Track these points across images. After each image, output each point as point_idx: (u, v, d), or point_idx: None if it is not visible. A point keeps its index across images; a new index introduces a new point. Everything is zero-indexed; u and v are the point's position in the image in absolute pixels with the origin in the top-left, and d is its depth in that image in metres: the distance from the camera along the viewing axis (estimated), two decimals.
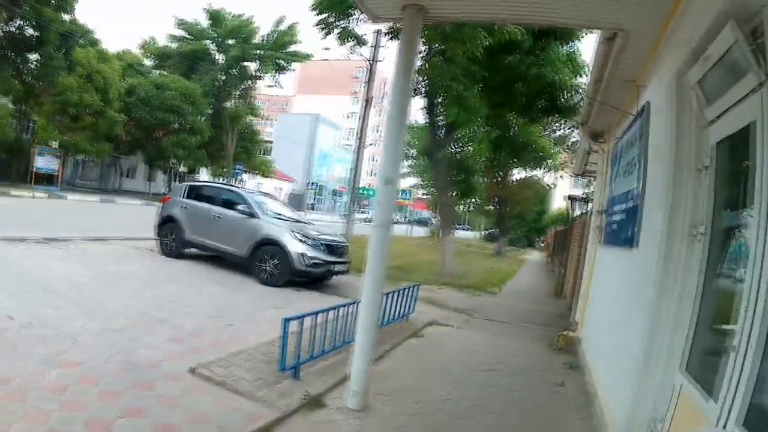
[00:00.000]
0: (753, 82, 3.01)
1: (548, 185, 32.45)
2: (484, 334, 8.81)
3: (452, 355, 7.06)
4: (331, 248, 11.11)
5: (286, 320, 5.07)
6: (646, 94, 5.63)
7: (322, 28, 14.93)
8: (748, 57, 2.98)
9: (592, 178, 15.16)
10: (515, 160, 22.67)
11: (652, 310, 4.22)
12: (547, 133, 21.76)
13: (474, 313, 10.59)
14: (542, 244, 46.04)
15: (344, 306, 5.87)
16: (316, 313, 5.46)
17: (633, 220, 5.39)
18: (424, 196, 35.16)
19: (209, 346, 5.89)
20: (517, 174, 30.49)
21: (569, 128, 19.53)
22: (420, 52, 15.35)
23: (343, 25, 14.83)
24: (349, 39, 15.27)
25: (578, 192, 22.01)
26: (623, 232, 5.90)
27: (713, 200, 3.88)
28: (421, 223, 53.68)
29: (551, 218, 40.39)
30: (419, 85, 15.22)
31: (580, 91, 12.50)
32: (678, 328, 4.05)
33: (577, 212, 16.65)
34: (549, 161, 23.74)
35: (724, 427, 2.77)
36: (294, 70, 44.06)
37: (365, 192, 39.30)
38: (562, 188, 32.35)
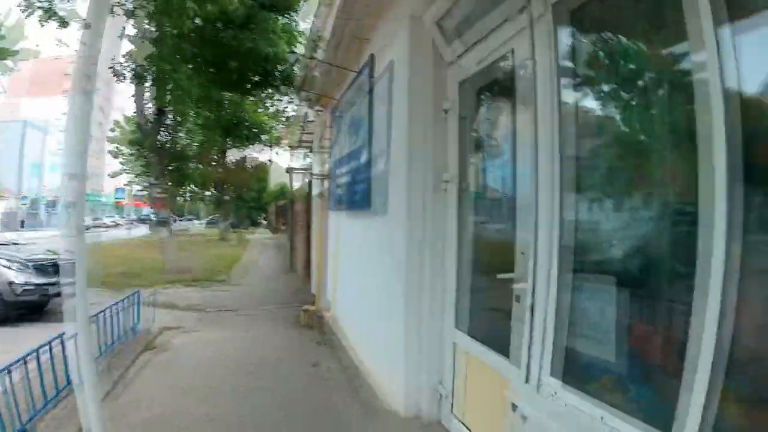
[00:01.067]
0: (512, 10, 2.76)
1: (267, 161, 32.20)
2: (223, 329, 7.95)
3: (194, 362, 6.07)
4: (42, 269, 9.10)
5: None
6: (371, 47, 5.34)
7: (24, 9, 12.04)
8: None
9: (312, 149, 15.17)
10: (230, 139, 21.78)
11: (407, 269, 3.93)
12: (263, 109, 21.22)
13: (208, 308, 9.63)
14: (266, 222, 46.02)
15: (57, 338, 4.46)
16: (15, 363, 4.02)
17: (366, 178, 5.10)
18: (141, 192, 32.29)
19: None
20: (235, 154, 29.54)
21: (286, 102, 19.32)
22: (126, 35, 13.62)
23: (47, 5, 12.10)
24: (52, 20, 12.56)
25: (300, 164, 22.06)
26: (357, 194, 5.60)
27: (459, 144, 3.69)
28: (143, 221, 49.48)
29: (273, 194, 40.38)
30: (126, 70, 13.51)
31: (299, 58, 12.21)
32: (441, 285, 3.83)
33: (299, 184, 16.60)
34: (265, 136, 23.33)
35: (533, 380, 2.52)
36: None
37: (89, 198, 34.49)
38: (282, 162, 32.28)
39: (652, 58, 2.09)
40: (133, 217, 50.15)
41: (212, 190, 32.70)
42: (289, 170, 17.97)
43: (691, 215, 1.77)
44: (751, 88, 1.67)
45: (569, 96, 2.42)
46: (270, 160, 31.83)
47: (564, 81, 2.41)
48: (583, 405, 2.18)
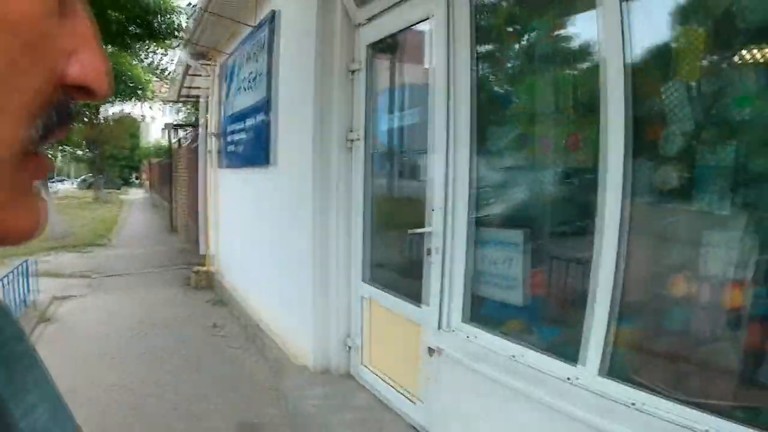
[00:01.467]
0: None
1: (141, 116, 30.32)
2: (115, 294, 7.55)
3: (92, 330, 5.74)
4: None
5: None
6: (270, 3, 5.20)
7: None
8: None
9: (191, 104, 14.48)
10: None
11: (312, 227, 3.98)
12: (138, 62, 19.85)
13: (95, 274, 9.10)
14: (139, 181, 43.84)
15: None
16: None
17: (265, 135, 5.03)
18: None
19: None
20: (108, 110, 27.52)
21: (161, 55, 18.25)
22: None
23: None
24: None
25: (176, 119, 21.01)
26: (254, 150, 5.46)
27: (366, 104, 3.76)
28: None
29: (146, 151, 38.28)
30: None
31: (183, 11, 11.55)
32: (348, 240, 3.92)
33: (177, 140, 15.83)
34: (142, 91, 21.89)
35: (448, 326, 2.72)
36: None
37: None
38: (157, 118, 30.52)
39: (563, 22, 2.29)
40: None
41: (84, 149, 30.38)
42: (167, 126, 17.06)
43: (592, 175, 2.00)
44: (647, 59, 1.91)
45: (485, 60, 2.58)
46: (143, 116, 30.04)
47: (480, 43, 2.56)
48: (496, 345, 2.41)
